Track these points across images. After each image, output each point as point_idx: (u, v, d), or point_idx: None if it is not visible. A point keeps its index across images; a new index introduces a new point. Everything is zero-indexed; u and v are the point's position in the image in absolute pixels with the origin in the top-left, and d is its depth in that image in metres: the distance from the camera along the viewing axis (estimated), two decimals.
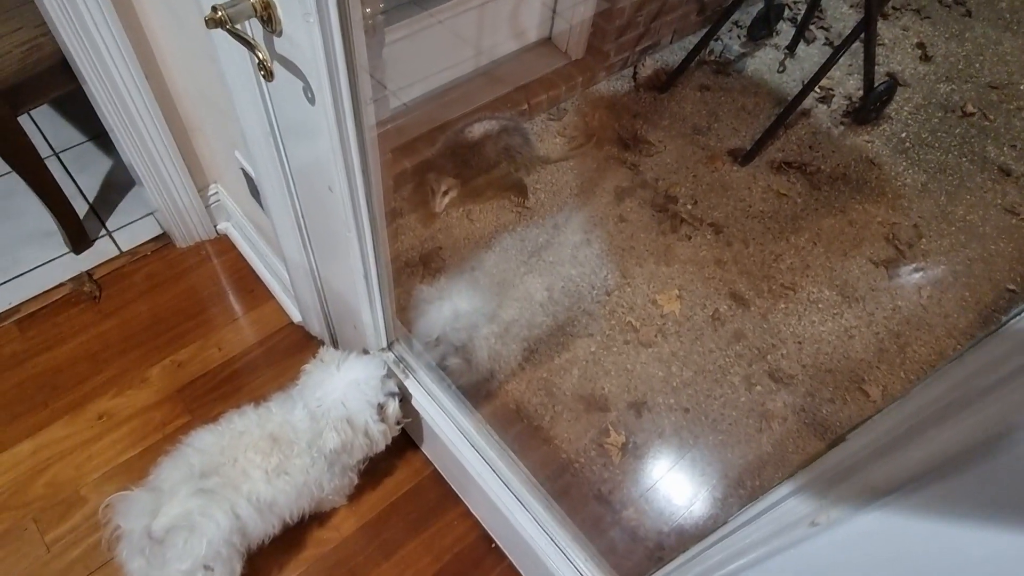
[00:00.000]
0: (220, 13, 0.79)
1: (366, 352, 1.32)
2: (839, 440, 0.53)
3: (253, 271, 1.78)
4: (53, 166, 1.91)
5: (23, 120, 1.54)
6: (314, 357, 1.26)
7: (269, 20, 0.84)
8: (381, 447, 1.29)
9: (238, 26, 0.84)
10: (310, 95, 0.89)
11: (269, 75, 0.85)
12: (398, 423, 1.30)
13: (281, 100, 0.99)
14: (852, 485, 0.54)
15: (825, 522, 0.50)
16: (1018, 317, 0.44)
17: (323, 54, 0.80)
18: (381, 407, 1.24)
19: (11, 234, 1.78)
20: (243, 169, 1.42)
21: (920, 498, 0.42)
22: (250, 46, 0.83)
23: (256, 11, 0.83)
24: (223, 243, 1.83)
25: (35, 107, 1.53)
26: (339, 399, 1.19)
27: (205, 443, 1.15)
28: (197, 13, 0.91)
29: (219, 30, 0.81)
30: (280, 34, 0.85)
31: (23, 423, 1.50)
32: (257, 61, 0.83)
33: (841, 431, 1.64)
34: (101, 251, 1.78)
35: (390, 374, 1.28)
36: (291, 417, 1.18)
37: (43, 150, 1.94)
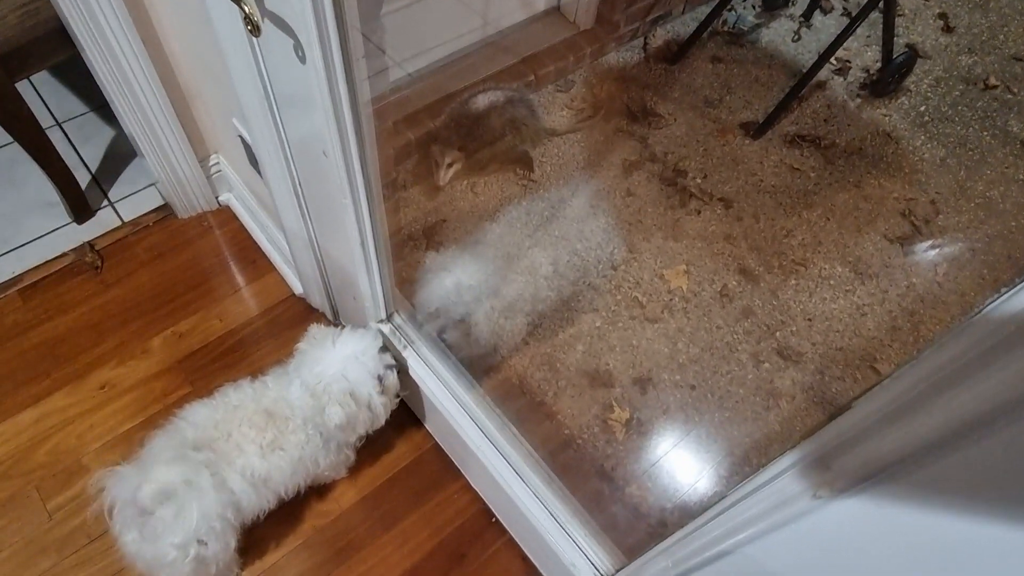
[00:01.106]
0: None
1: (340, 325, 1.31)
2: (843, 409, 0.51)
3: (255, 242, 1.76)
4: (56, 136, 1.90)
5: (26, 90, 1.53)
6: (305, 334, 1.24)
7: None
8: (382, 421, 1.28)
9: None
10: (300, 53, 0.86)
11: (256, 30, 0.82)
12: (397, 395, 1.29)
13: (273, 61, 0.96)
14: (855, 457, 0.51)
15: (828, 494, 0.48)
16: (1000, 299, 0.41)
17: (311, 9, 0.77)
18: (380, 379, 1.22)
19: (14, 204, 1.78)
20: (241, 136, 1.39)
21: (919, 478, 0.39)
22: (235, 1, 0.80)
23: None
24: (225, 214, 1.82)
25: (33, 74, 1.51)
26: (339, 373, 1.17)
27: (199, 416, 1.13)
28: None
29: None
30: None
31: (25, 392, 1.51)
32: (243, 15, 0.81)
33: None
34: (103, 221, 1.76)
35: (385, 347, 1.26)
36: (287, 394, 1.17)
37: (46, 120, 1.93)
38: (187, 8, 1.24)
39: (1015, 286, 0.39)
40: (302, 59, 0.87)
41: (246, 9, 0.79)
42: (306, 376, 1.16)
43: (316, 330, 1.22)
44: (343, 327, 1.24)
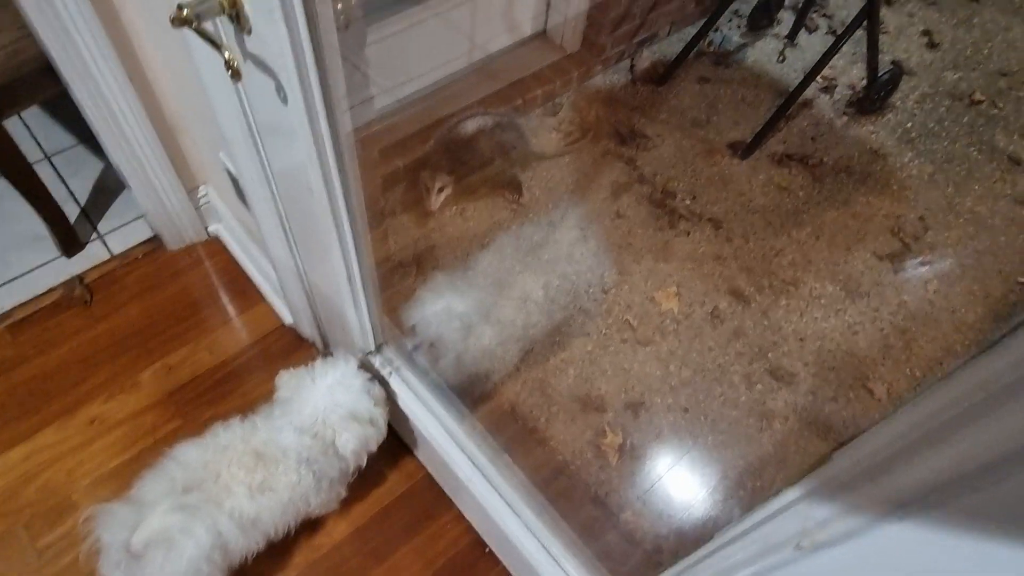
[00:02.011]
0: (186, 11, 0.77)
1: (329, 355, 1.30)
2: (822, 460, 0.50)
3: (244, 273, 1.76)
4: (45, 170, 1.90)
5: (15, 124, 1.53)
6: (278, 383, 1.24)
7: (238, 17, 0.81)
8: (384, 431, 1.28)
9: (207, 24, 0.81)
10: (283, 95, 0.86)
11: (236, 75, 0.82)
12: (385, 404, 1.30)
13: (256, 100, 0.96)
14: (833, 508, 0.50)
15: (809, 546, 0.47)
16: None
17: (291, 52, 0.78)
18: (368, 393, 1.23)
19: (2, 239, 1.77)
20: (228, 170, 1.39)
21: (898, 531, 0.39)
22: (216, 45, 0.81)
23: (224, 8, 0.80)
24: (214, 245, 1.81)
25: (20, 111, 1.51)
26: (331, 403, 1.17)
27: (188, 457, 1.13)
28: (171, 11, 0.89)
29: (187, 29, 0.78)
30: (250, 32, 0.83)
31: (14, 428, 1.50)
32: (224, 61, 0.81)
33: (844, 430, 1.60)
34: (92, 255, 1.76)
35: (361, 364, 1.27)
36: (279, 438, 1.16)
37: (35, 154, 1.93)
38: (172, 46, 1.24)
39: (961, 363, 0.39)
40: (284, 100, 0.87)
41: (226, 55, 0.79)
42: (297, 420, 1.16)
43: (288, 376, 1.22)
44: (317, 361, 1.24)
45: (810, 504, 0.54)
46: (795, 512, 0.55)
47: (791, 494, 0.58)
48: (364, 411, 1.20)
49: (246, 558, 1.18)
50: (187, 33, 0.84)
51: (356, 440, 1.17)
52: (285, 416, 1.18)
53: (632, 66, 2.31)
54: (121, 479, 1.43)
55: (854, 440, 0.55)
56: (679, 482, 1.53)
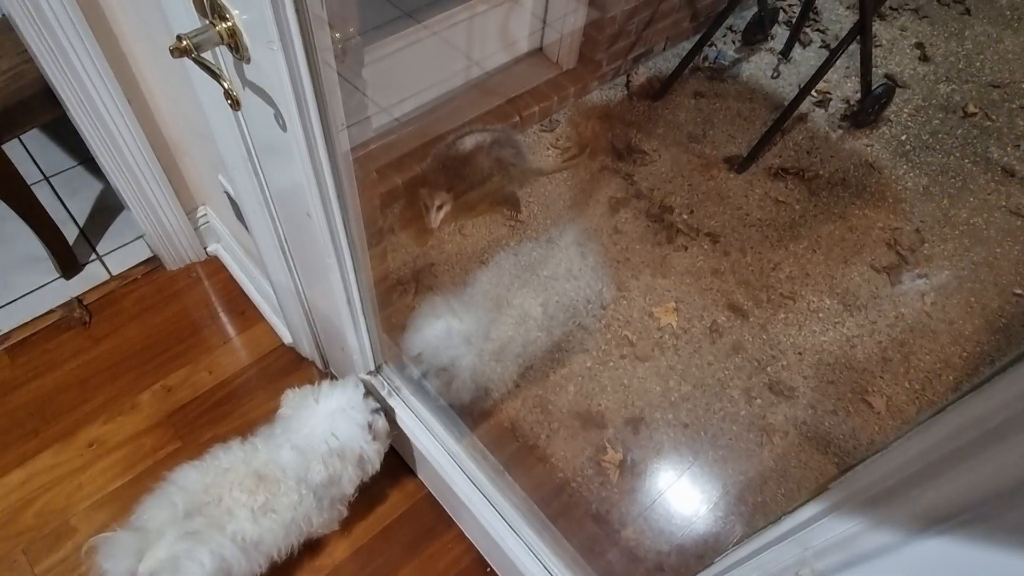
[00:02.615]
0: (185, 42, 0.77)
1: (334, 377, 1.30)
2: (820, 490, 0.50)
3: (243, 292, 1.76)
4: (43, 191, 1.90)
5: (14, 145, 1.53)
6: (284, 400, 1.24)
7: (236, 47, 0.82)
8: (377, 466, 1.27)
9: (206, 54, 0.82)
10: (281, 122, 0.87)
11: (236, 104, 0.83)
12: (388, 436, 1.29)
13: (255, 126, 0.97)
14: (832, 539, 0.50)
15: (809, 575, 0.48)
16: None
17: (289, 81, 0.78)
18: (370, 426, 1.22)
19: (1, 261, 1.78)
20: (227, 192, 1.40)
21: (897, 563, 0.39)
22: (215, 75, 0.81)
23: (223, 38, 0.81)
24: (213, 265, 1.82)
25: (20, 134, 1.52)
26: (328, 431, 1.17)
27: (189, 480, 1.12)
28: (171, 40, 0.90)
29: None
30: (249, 61, 0.83)
31: (13, 452, 1.49)
32: (223, 91, 0.81)
33: (844, 444, 1.60)
34: (91, 276, 1.76)
35: (368, 391, 1.26)
36: (278, 457, 1.16)
37: (34, 175, 1.94)
38: (171, 71, 1.25)
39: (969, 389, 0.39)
40: (283, 127, 0.88)
41: (225, 85, 0.80)
42: (295, 439, 1.16)
43: (293, 395, 1.22)
44: (324, 382, 1.24)
45: (809, 532, 0.54)
46: (793, 541, 0.55)
47: (789, 522, 0.58)
48: (355, 448, 1.19)
49: None
50: (187, 62, 0.85)
51: (324, 476, 1.15)
52: (285, 435, 1.18)
53: (628, 82, 2.33)
54: (120, 502, 1.43)
55: (857, 466, 0.56)
56: (680, 498, 1.53)
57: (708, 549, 1.49)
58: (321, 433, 1.15)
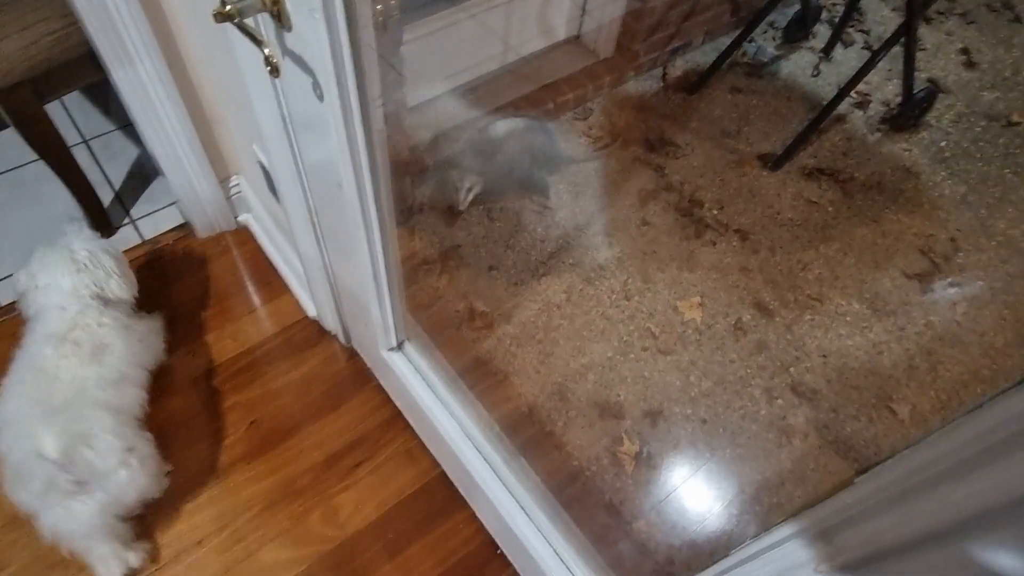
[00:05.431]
0: (229, 7, 0.78)
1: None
2: (846, 484, 0.50)
3: (271, 263, 1.78)
4: (82, 153, 1.94)
5: (55, 107, 1.56)
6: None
7: (279, 15, 0.82)
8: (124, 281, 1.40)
9: (248, 20, 0.82)
10: (319, 92, 0.87)
11: (275, 71, 0.83)
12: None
13: (293, 95, 0.98)
14: (856, 535, 0.50)
15: (828, 570, 0.47)
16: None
17: (329, 51, 0.79)
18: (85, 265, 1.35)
19: (39, 219, 1.81)
20: (260, 163, 1.41)
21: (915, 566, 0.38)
22: (257, 42, 0.82)
23: (266, 5, 0.82)
24: (242, 234, 1.84)
25: (62, 96, 1.55)
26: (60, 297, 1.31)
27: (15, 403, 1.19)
28: (214, 4, 0.90)
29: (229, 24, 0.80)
30: (290, 29, 0.84)
31: None
32: (264, 57, 0.82)
33: (865, 450, 1.58)
34: (123, 239, 1.79)
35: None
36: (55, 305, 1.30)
37: (74, 137, 1.97)
38: (213, 38, 1.26)
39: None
40: (320, 97, 0.88)
41: (266, 52, 0.81)
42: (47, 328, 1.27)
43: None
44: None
45: (829, 527, 0.53)
46: (813, 534, 0.54)
47: (809, 516, 0.57)
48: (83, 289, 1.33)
49: (144, 408, 1.34)
50: (228, 28, 0.86)
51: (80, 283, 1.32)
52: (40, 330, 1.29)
53: (664, 74, 2.30)
54: None
55: (880, 464, 0.55)
56: (695, 494, 1.53)
57: (720, 546, 1.48)
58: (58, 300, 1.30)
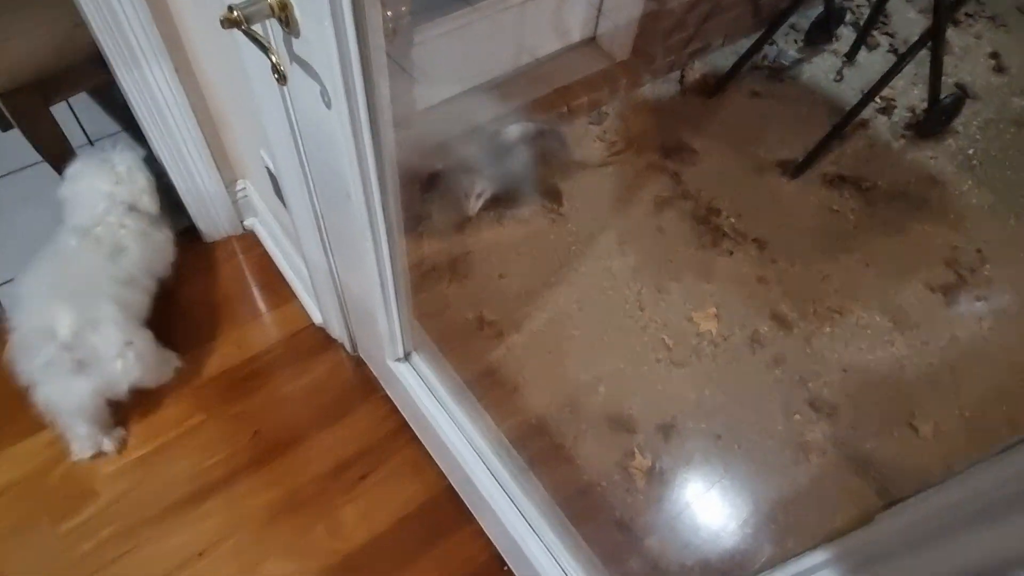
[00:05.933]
0: (236, 13, 0.75)
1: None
2: (865, 520, 0.46)
3: (277, 269, 1.75)
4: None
5: (61, 108, 1.54)
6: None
7: (287, 21, 0.79)
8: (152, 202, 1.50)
9: (255, 27, 0.79)
10: (327, 99, 0.84)
11: (283, 79, 0.80)
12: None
13: (300, 102, 0.95)
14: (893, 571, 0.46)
15: None
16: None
17: (337, 58, 0.76)
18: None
19: (44, 221, 1.79)
20: (267, 167, 1.39)
21: None
22: (264, 48, 0.79)
23: (274, 11, 0.79)
24: (249, 239, 1.81)
25: (68, 97, 1.53)
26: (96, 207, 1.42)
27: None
28: (221, 10, 0.88)
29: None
30: (298, 35, 0.81)
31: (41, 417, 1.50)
32: (271, 64, 0.79)
33: (885, 469, 1.53)
34: None
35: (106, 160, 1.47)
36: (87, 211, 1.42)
37: (79, 138, 1.95)
38: (220, 43, 1.23)
39: None
40: (328, 104, 0.85)
41: (273, 59, 0.77)
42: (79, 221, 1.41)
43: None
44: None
45: (865, 559, 0.49)
46: (848, 566, 0.50)
47: (822, 554, 0.53)
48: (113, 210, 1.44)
49: (149, 312, 1.45)
50: (236, 33, 0.83)
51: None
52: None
53: (682, 77, 2.25)
54: (144, 468, 1.44)
55: (906, 500, 0.51)
56: (708, 511, 1.48)
57: (735, 566, 1.44)
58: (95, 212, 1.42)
